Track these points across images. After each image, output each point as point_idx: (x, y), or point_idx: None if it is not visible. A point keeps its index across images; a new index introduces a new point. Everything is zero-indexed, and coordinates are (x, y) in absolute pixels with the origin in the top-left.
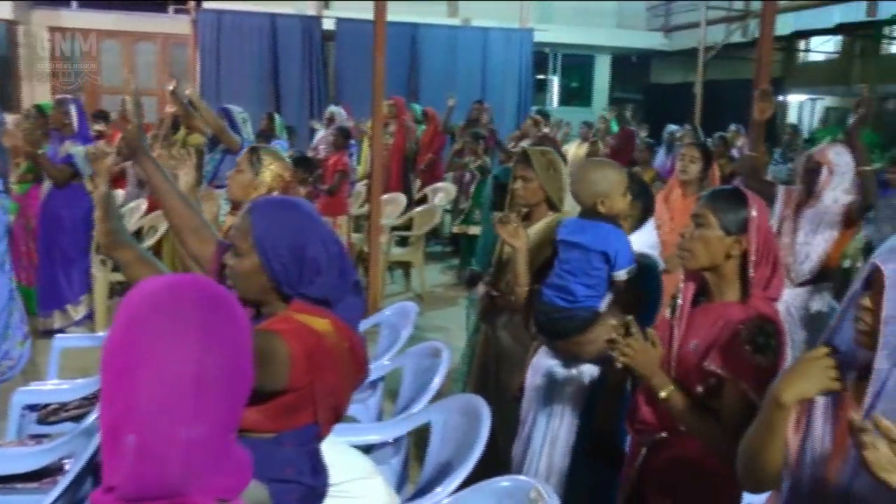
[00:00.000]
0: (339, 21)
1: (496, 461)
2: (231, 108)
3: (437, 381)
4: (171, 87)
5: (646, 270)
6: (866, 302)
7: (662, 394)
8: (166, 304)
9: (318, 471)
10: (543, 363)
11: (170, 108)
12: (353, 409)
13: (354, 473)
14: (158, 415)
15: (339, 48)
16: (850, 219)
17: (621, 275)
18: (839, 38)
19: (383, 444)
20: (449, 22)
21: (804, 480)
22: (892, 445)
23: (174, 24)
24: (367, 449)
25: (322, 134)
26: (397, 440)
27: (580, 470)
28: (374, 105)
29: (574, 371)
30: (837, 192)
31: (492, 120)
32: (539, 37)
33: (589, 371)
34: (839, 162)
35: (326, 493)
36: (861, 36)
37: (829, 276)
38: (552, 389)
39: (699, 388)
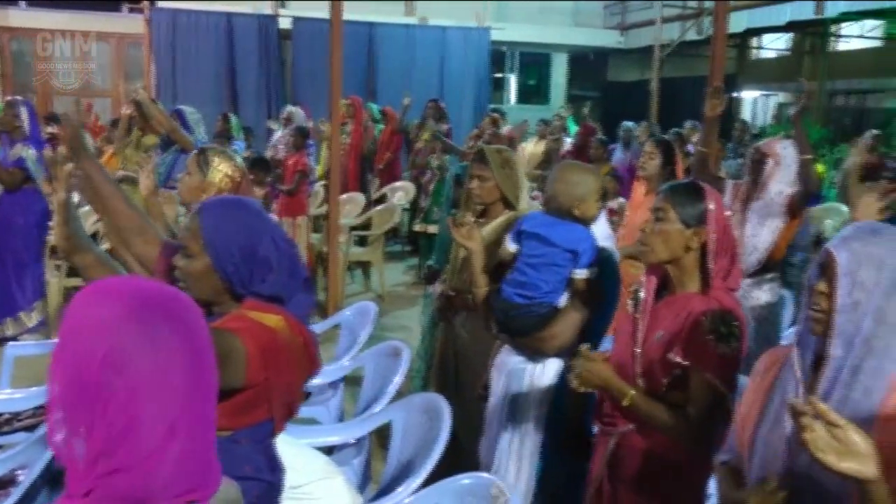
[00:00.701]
0: (296, 20)
1: (458, 459)
2: (184, 108)
3: (397, 381)
4: (134, 94)
5: (603, 262)
6: (821, 287)
7: (625, 402)
8: (138, 309)
9: (275, 467)
10: (507, 361)
11: (126, 110)
12: (314, 411)
13: (316, 475)
14: (134, 423)
15: (296, 47)
16: (794, 209)
17: (582, 274)
18: (790, 35)
19: (345, 445)
20: (406, 21)
21: (765, 466)
22: (829, 428)
23: (128, 23)
24: (328, 450)
25: (280, 134)
26: (359, 440)
27: (550, 465)
28: (332, 104)
29: (538, 367)
30: (782, 184)
31: (446, 117)
32: (496, 35)
33: (552, 366)
34: (785, 154)
35: (283, 489)
36: (811, 33)
37: (775, 267)
38: (518, 387)
39: (664, 379)
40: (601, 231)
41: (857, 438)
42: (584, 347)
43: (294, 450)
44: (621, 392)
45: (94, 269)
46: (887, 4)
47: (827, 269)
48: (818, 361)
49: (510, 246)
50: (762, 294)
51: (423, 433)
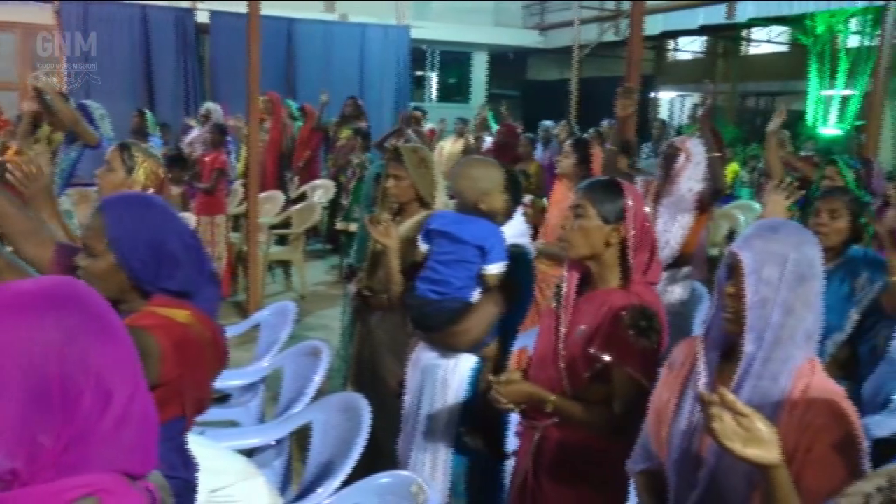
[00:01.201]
0: (214, 14)
1: (378, 457)
2: (88, 103)
3: (317, 381)
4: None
5: (518, 259)
6: (730, 289)
7: (548, 408)
8: (67, 305)
9: (189, 464)
10: (422, 357)
11: (29, 104)
12: (234, 413)
13: (236, 477)
14: (107, 400)
15: (214, 42)
16: (703, 205)
17: (493, 269)
18: (705, 38)
19: (265, 447)
20: (325, 17)
21: (680, 461)
22: (735, 417)
23: (36, 13)
24: (249, 452)
25: (198, 131)
26: (279, 442)
27: (466, 460)
28: (250, 101)
29: (451, 363)
30: (692, 180)
31: (365, 115)
32: (416, 33)
33: (466, 362)
34: (696, 151)
35: (198, 487)
36: (723, 37)
37: (687, 262)
38: (432, 383)
39: (586, 373)
40: (517, 226)
41: (762, 426)
42: (495, 379)
43: (213, 452)
44: (542, 399)
45: (3, 272)
46: (794, 11)
47: (734, 270)
48: (730, 354)
49: (421, 246)
50: (675, 288)
51: (342, 433)
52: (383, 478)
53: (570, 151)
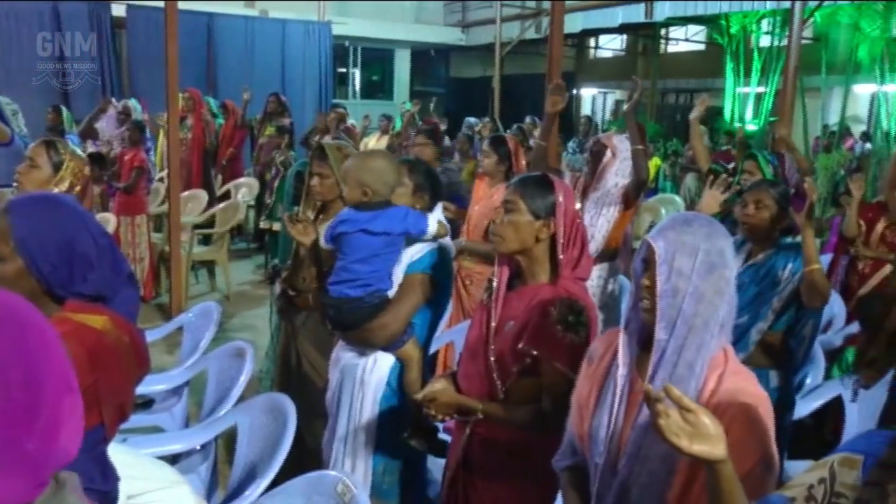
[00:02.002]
0: (130, 7)
1: (306, 458)
2: None
3: (242, 382)
4: None
5: (435, 256)
6: (646, 281)
7: (479, 415)
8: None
9: (108, 474)
10: (341, 356)
11: None
12: (157, 419)
13: (159, 484)
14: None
15: (131, 37)
16: (628, 199)
17: (431, 227)
18: (624, 36)
19: (191, 452)
20: (246, 12)
21: (602, 453)
22: (682, 412)
23: None
24: (174, 459)
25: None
26: (204, 446)
27: (388, 459)
28: (169, 97)
29: (370, 361)
30: (619, 176)
31: (288, 112)
32: (338, 30)
33: (385, 361)
34: (622, 147)
35: (118, 498)
36: (643, 35)
37: (614, 256)
38: (351, 382)
39: (515, 368)
40: (436, 222)
41: (708, 421)
42: (419, 397)
43: (135, 460)
44: (470, 407)
45: None
46: (709, 11)
47: (649, 260)
48: (648, 345)
49: (323, 243)
50: (601, 281)
51: (268, 434)
52: (310, 478)
53: (490, 150)
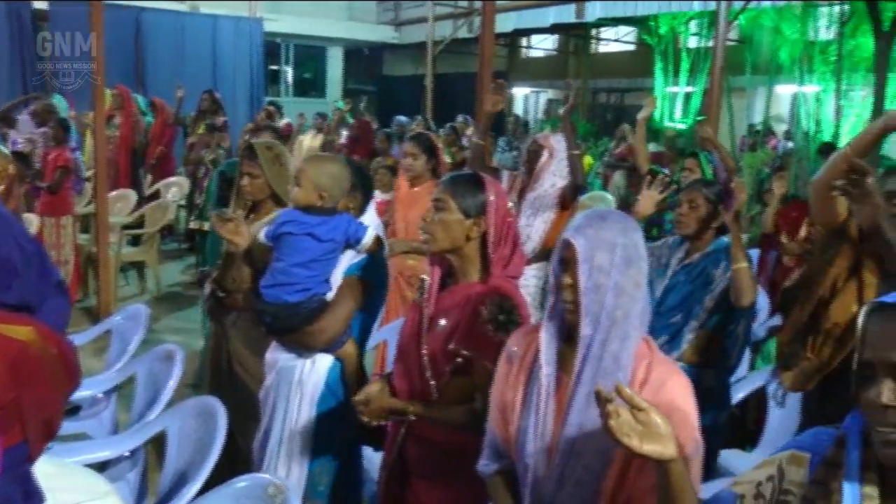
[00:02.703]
0: (53, 2)
1: (238, 461)
2: None
3: (171, 386)
4: None
5: (371, 258)
6: (567, 279)
7: (411, 417)
8: None
9: (32, 495)
10: (278, 358)
11: None
12: (85, 425)
13: (85, 494)
14: None
15: (55, 32)
16: (565, 201)
17: (367, 240)
18: (556, 36)
19: (119, 459)
20: (176, 7)
21: (534, 454)
22: (633, 412)
23: None
24: (102, 466)
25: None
26: (133, 452)
27: (324, 458)
28: (95, 95)
29: (308, 363)
30: (556, 176)
31: (222, 110)
32: (269, 27)
33: (323, 362)
34: (559, 148)
35: None
36: (574, 35)
37: (550, 255)
38: (288, 383)
39: (447, 368)
40: (369, 222)
41: (659, 420)
42: (354, 401)
43: (60, 470)
44: (405, 411)
45: None
46: (638, 12)
47: (568, 259)
48: (571, 342)
49: (263, 239)
50: (538, 282)
51: (198, 438)
52: (240, 482)
53: (419, 152)
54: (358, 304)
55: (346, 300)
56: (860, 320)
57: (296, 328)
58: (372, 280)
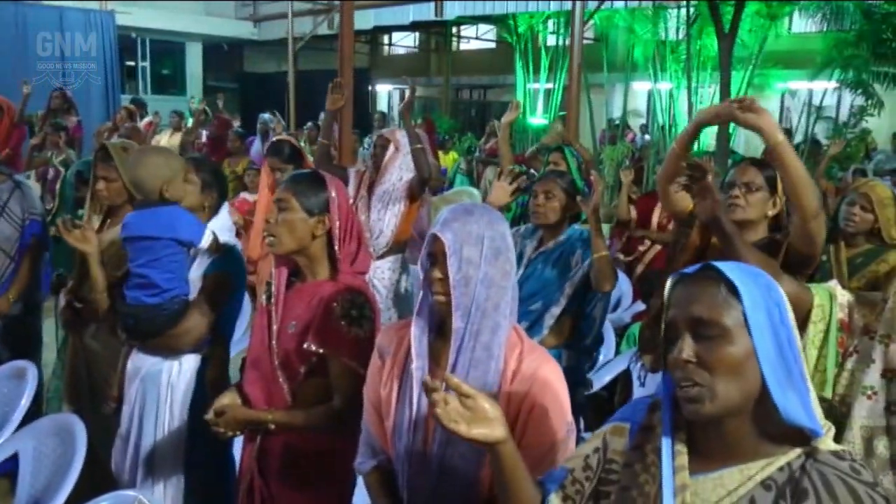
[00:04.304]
0: None
1: (101, 479)
2: None
3: (24, 405)
4: None
5: (227, 254)
6: (437, 274)
7: (270, 426)
8: None
9: None
10: (141, 365)
11: None
12: None
13: None
14: None
15: None
16: (413, 193)
17: (205, 243)
18: (417, 34)
19: None
20: None
21: (409, 451)
22: (461, 399)
23: None
24: None
25: None
26: None
27: (199, 463)
28: None
29: (175, 365)
30: (403, 170)
31: (75, 108)
32: (123, 20)
33: (189, 362)
34: (405, 142)
35: None
36: (435, 33)
37: (403, 248)
38: (155, 390)
39: (302, 368)
40: (223, 223)
41: (486, 405)
42: (210, 418)
43: None
44: (262, 421)
45: None
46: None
47: (437, 253)
48: (442, 335)
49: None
50: (393, 274)
51: (56, 459)
52: (104, 500)
53: (279, 164)
54: (223, 301)
55: (210, 298)
56: (666, 290)
57: (158, 331)
58: (231, 271)
